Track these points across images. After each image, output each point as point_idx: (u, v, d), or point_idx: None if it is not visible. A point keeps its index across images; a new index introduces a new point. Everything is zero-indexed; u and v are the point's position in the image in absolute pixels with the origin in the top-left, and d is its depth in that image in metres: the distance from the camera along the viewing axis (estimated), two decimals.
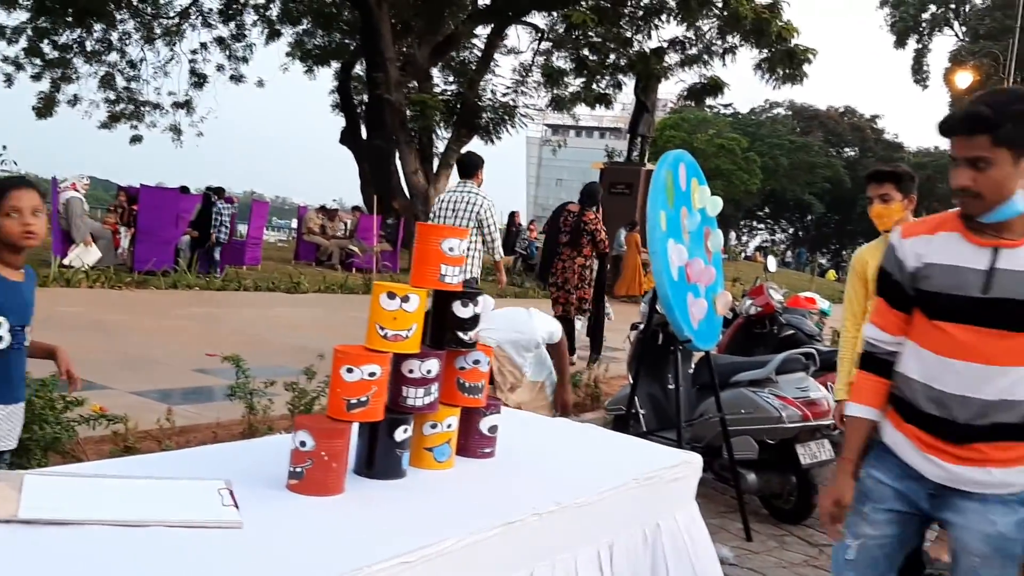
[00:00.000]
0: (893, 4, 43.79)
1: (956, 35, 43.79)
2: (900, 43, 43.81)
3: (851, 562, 2.33)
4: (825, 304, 8.74)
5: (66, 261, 11.88)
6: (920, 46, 44.03)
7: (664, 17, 18.74)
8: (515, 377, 3.83)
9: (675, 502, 2.41)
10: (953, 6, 43.74)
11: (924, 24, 43.66)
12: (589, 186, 9.36)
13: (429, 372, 2.04)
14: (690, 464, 2.48)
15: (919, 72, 43.96)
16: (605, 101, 20.45)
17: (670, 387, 5.07)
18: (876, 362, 2.31)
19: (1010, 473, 2.16)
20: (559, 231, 8.86)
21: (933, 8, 43.66)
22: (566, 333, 9.29)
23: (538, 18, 20.19)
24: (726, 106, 53.91)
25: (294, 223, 24.58)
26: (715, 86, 19.32)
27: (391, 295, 1.95)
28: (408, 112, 18.41)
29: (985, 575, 2.20)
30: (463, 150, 20.02)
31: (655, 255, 4.30)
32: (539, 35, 20.61)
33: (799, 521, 5.03)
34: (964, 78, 28.12)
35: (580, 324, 9.08)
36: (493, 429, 2.28)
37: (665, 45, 19.40)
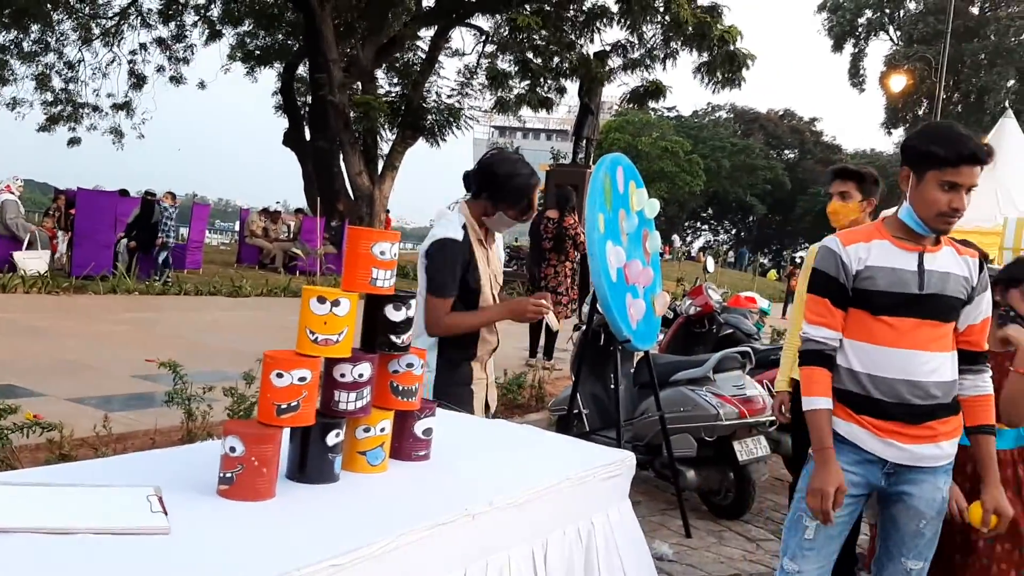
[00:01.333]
0: (830, 9, 44.76)
1: (891, 39, 44.92)
2: (837, 47, 44.80)
3: (811, 541, 2.59)
4: (765, 303, 8.91)
5: (18, 262, 11.62)
6: (856, 50, 45.08)
7: (607, 21, 18.90)
8: None
9: (609, 500, 2.44)
10: (888, 11, 44.83)
11: (860, 29, 44.69)
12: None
13: (361, 376, 2.04)
14: (624, 462, 2.51)
15: (856, 76, 45.00)
16: (549, 104, 20.58)
17: (612, 387, 5.14)
18: (824, 358, 2.56)
19: (953, 444, 2.55)
20: (541, 238, 9.30)
21: (869, 13, 44.71)
22: (545, 336, 9.51)
23: (482, 21, 20.26)
24: (669, 109, 54.51)
25: (237, 226, 24.26)
26: (657, 89, 19.57)
27: (321, 299, 1.95)
28: (352, 114, 18.29)
29: (928, 534, 2.58)
30: (408, 152, 20.01)
31: (593, 257, 4.35)
32: (483, 37, 20.65)
33: (737, 516, 5.14)
34: (899, 81, 28.85)
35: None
36: (428, 432, 2.29)
37: (608, 49, 19.59)
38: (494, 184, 3.23)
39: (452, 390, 3.21)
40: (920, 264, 2.48)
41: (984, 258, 3.96)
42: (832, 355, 2.55)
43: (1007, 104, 25.56)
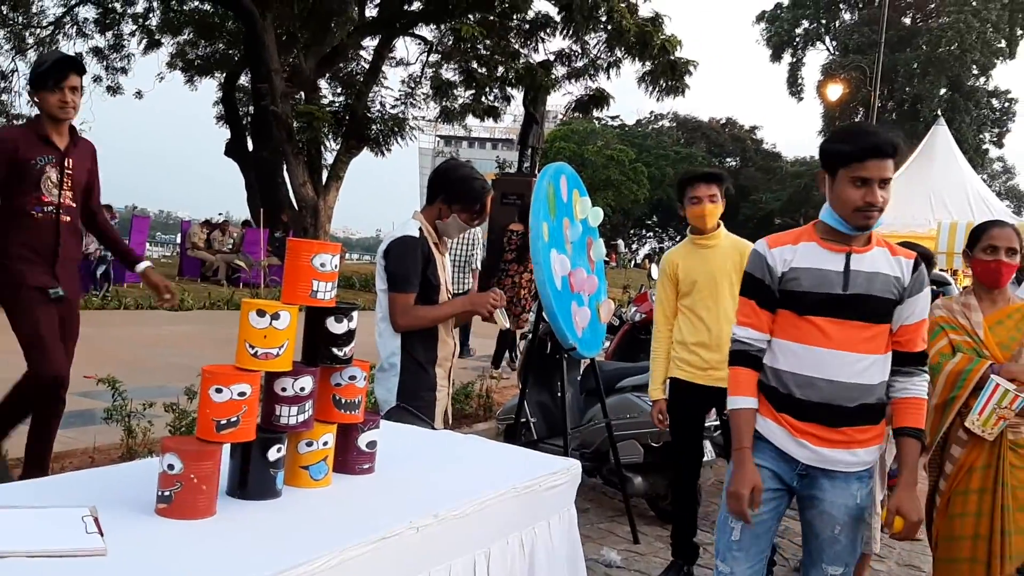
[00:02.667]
0: (768, 19, 45.63)
1: (828, 49, 45.91)
2: (776, 57, 45.66)
3: (737, 542, 2.62)
4: None
5: None
6: (794, 60, 45.98)
7: (550, 31, 19.02)
8: None
9: (553, 508, 2.45)
10: (824, 22, 45.83)
11: (798, 39, 45.61)
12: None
13: (303, 390, 2.02)
14: (569, 471, 2.52)
15: (794, 85, 45.90)
16: (494, 114, 20.61)
17: (559, 395, 5.15)
18: (749, 358, 2.59)
19: (869, 452, 2.56)
20: (503, 250, 9.50)
21: (806, 24, 45.66)
22: (509, 345, 9.73)
23: (426, 31, 20.19)
24: (613, 118, 54.96)
25: (179, 238, 23.85)
26: (601, 98, 19.72)
27: (261, 312, 1.92)
28: (295, 124, 18.11)
29: (844, 540, 2.57)
30: (353, 162, 19.88)
31: (538, 266, 4.37)
32: (427, 47, 20.61)
33: None
34: (835, 90, 29.54)
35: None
36: (372, 445, 2.27)
37: (552, 58, 19.69)
38: (449, 188, 3.40)
39: (418, 395, 3.31)
40: (847, 265, 2.50)
41: (927, 260, 4.08)
42: (757, 355, 2.58)
43: (939, 112, 26.34)
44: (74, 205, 3.78)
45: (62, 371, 3.73)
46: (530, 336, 5.42)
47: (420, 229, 3.36)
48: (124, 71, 25.86)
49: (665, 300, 4.31)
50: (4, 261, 3.66)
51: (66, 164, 3.70)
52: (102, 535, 1.68)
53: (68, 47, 25.07)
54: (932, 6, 43.21)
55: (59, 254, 3.73)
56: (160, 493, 1.83)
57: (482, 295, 3.44)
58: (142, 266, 4.06)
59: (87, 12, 24.39)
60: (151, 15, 24.39)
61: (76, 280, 3.92)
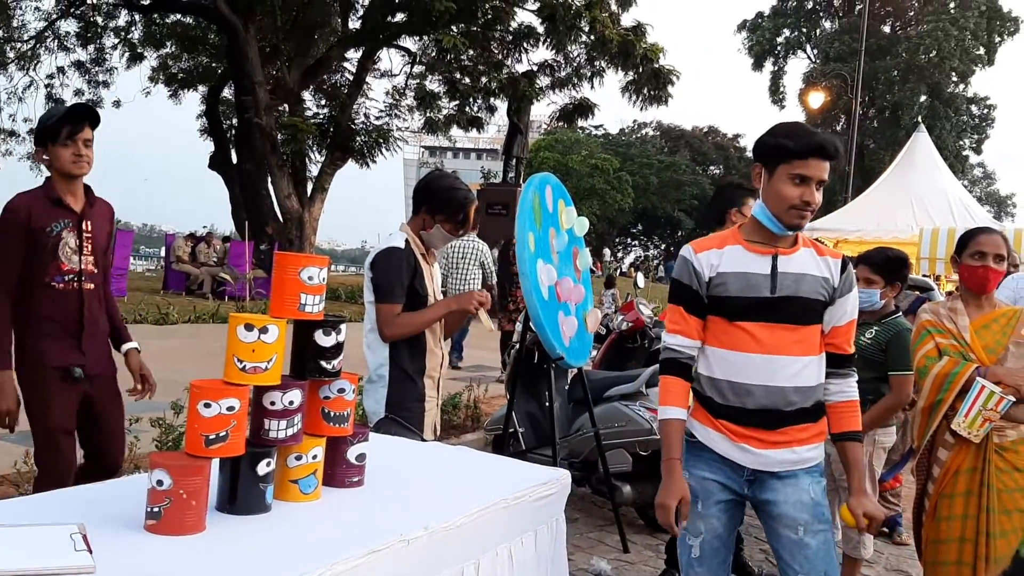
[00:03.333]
0: (750, 28, 45.94)
1: (809, 58, 46.25)
2: (758, 65, 45.96)
3: (697, 559, 2.57)
4: None
5: None
6: (776, 68, 46.32)
7: (533, 41, 19.10)
8: None
9: (543, 519, 2.45)
10: (805, 31, 46.19)
11: (779, 48, 45.94)
12: None
13: (291, 403, 2.02)
14: (559, 481, 2.52)
15: (776, 93, 46.19)
16: (478, 124, 20.68)
17: (547, 404, 5.15)
18: (680, 366, 2.54)
19: (811, 449, 2.51)
20: (510, 263, 9.57)
21: (787, 32, 46.01)
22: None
23: (410, 42, 20.25)
24: (597, 127, 55.21)
25: (163, 252, 23.74)
26: (585, 107, 19.83)
27: (249, 327, 1.92)
28: (279, 136, 18.10)
29: (812, 543, 2.46)
30: (338, 173, 19.88)
31: (524, 276, 4.37)
32: (411, 59, 20.65)
33: None
34: (817, 98, 29.78)
35: None
36: (361, 457, 2.27)
37: (536, 68, 19.78)
38: (433, 199, 3.42)
39: (406, 405, 3.33)
40: (773, 267, 2.46)
41: (902, 263, 4.09)
42: (687, 363, 2.53)
43: (920, 119, 26.57)
44: (96, 271, 3.45)
45: (65, 473, 3.35)
46: (517, 346, 5.42)
47: (407, 240, 3.38)
48: (106, 84, 25.79)
49: None
50: (23, 339, 3.33)
51: (84, 227, 3.38)
52: (91, 552, 1.67)
53: (50, 61, 25.01)
54: (911, 14, 43.66)
55: (85, 326, 3.39)
56: (149, 509, 1.82)
57: (467, 294, 3.47)
58: (127, 347, 3.66)
59: (68, 26, 24.33)
60: (133, 28, 24.35)
61: (107, 353, 3.55)
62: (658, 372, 2.57)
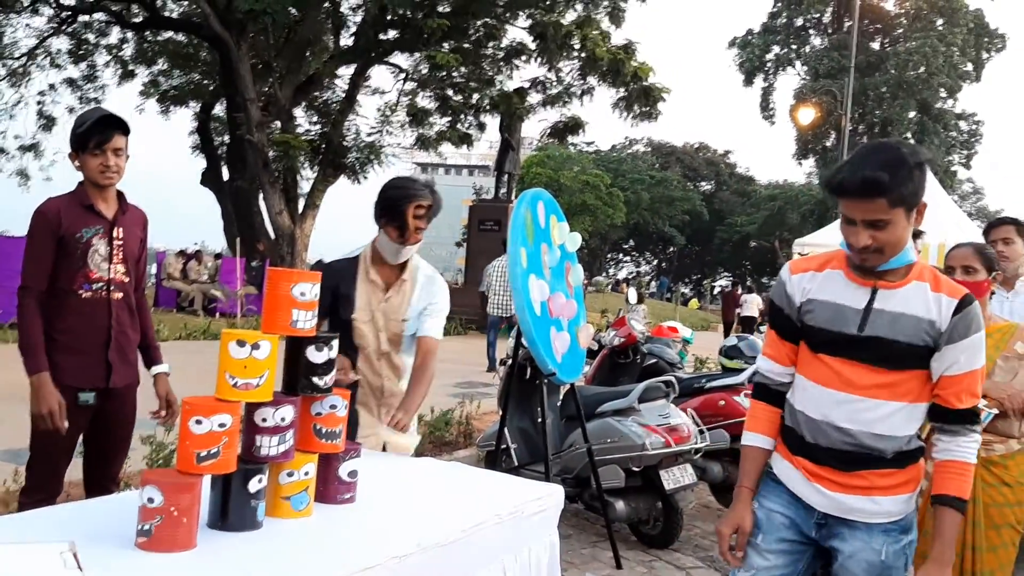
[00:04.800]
0: (740, 45, 46.25)
1: (798, 74, 46.54)
2: (748, 82, 46.24)
3: None
4: (688, 332, 9.06)
5: None
6: (766, 84, 46.60)
7: (525, 58, 19.19)
8: None
9: (536, 534, 2.44)
10: (795, 47, 46.51)
11: (769, 64, 46.24)
12: None
13: (283, 420, 2.01)
14: (552, 497, 2.52)
15: (766, 109, 46.47)
16: (469, 140, 20.72)
17: (540, 420, 5.14)
18: (769, 392, 2.39)
19: (896, 501, 2.22)
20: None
21: (777, 49, 46.33)
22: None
23: (401, 59, 20.30)
24: (588, 144, 55.38)
25: (153, 268, 23.68)
26: (576, 124, 19.92)
27: (241, 343, 1.92)
28: (271, 152, 18.11)
29: None
30: (330, 190, 19.88)
31: (517, 292, 4.38)
32: (403, 75, 20.71)
33: (666, 545, 5.17)
34: (807, 114, 29.90)
35: None
36: (353, 474, 2.26)
37: (527, 85, 19.86)
38: (376, 203, 3.18)
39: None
40: (870, 301, 2.19)
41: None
42: (777, 389, 2.37)
43: (909, 135, 26.74)
44: (127, 280, 3.35)
45: (53, 491, 3.29)
46: (509, 362, 5.42)
47: (356, 257, 3.23)
48: (98, 102, 25.74)
49: None
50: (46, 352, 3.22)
51: (115, 234, 3.29)
52: (82, 571, 1.66)
53: (41, 78, 25.00)
54: (900, 31, 44.01)
55: (112, 337, 3.29)
56: (140, 527, 1.81)
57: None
58: (156, 370, 3.54)
59: (60, 44, 24.32)
60: (125, 46, 24.37)
61: (133, 364, 3.43)
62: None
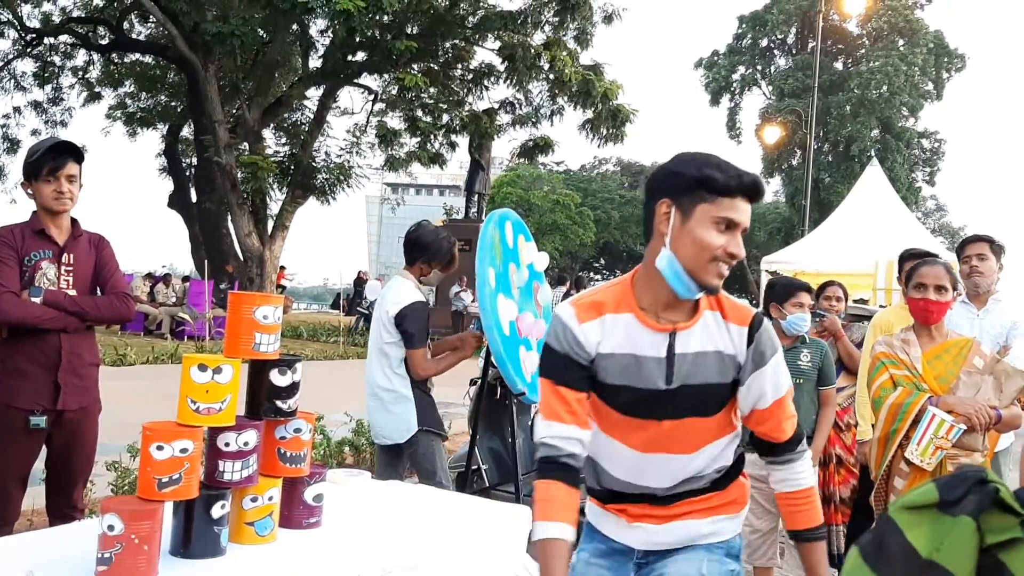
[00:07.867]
0: (706, 66, 46.76)
1: (764, 94, 47.11)
2: (715, 102, 46.70)
3: None
4: None
5: None
6: (733, 104, 47.07)
7: (494, 79, 19.28)
8: None
9: (506, 556, 2.43)
10: (760, 67, 47.08)
11: (735, 84, 46.73)
12: None
13: (246, 444, 1.99)
14: (521, 519, 2.51)
15: (733, 128, 46.92)
16: (440, 160, 20.74)
17: (510, 440, 5.13)
18: (559, 468, 1.93)
19: (715, 522, 2.07)
20: None
21: (742, 69, 46.86)
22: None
23: (370, 80, 20.32)
24: (558, 163, 55.63)
25: None
26: (545, 144, 20.01)
27: (202, 367, 1.90)
28: (240, 174, 18.01)
29: None
30: (299, 211, 19.80)
31: (485, 311, 4.38)
32: (372, 96, 20.73)
33: None
34: (772, 133, 30.32)
35: None
36: (319, 498, 2.24)
37: (496, 106, 19.94)
38: (428, 250, 4.18)
39: (433, 417, 4.17)
40: (671, 347, 1.92)
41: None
42: (568, 462, 1.92)
43: (872, 153, 27.14)
44: None
45: (9, 518, 3.26)
46: (479, 382, 5.40)
47: (418, 290, 4.11)
48: (64, 124, 25.53)
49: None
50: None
51: (64, 259, 3.30)
52: None
53: (5, 101, 24.76)
54: (861, 52, 44.69)
55: (63, 359, 3.27)
56: (100, 555, 1.78)
57: (466, 337, 4.43)
58: None
59: (25, 66, 24.10)
60: (91, 68, 24.21)
61: (88, 389, 3.42)
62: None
